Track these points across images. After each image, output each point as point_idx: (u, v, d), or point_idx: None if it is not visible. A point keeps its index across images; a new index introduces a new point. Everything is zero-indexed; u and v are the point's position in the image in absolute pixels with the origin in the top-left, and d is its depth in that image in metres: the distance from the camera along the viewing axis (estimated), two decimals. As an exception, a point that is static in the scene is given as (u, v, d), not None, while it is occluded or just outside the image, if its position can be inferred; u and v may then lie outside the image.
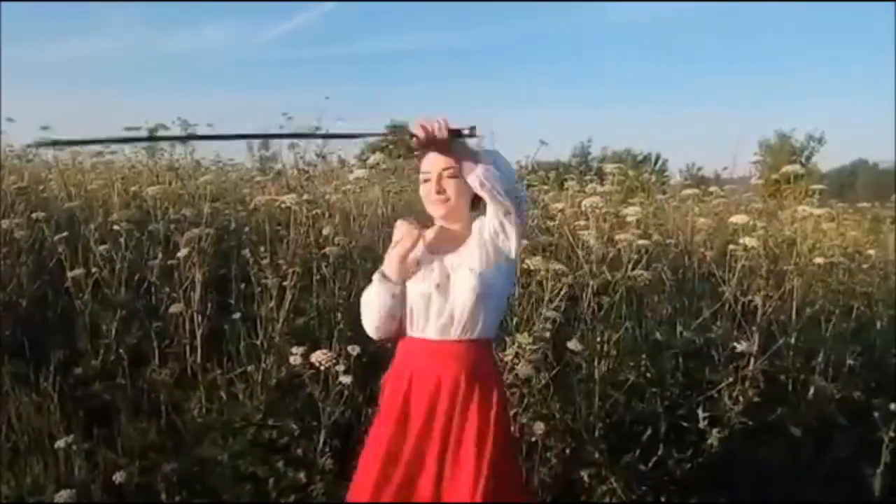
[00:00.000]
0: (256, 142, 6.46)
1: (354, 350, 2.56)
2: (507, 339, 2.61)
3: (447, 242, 1.80)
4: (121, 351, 2.86)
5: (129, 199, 3.72)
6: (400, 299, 1.76)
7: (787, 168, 3.74)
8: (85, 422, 2.65)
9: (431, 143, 1.60)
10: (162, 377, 2.79)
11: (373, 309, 1.77)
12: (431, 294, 1.72)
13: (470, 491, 1.66)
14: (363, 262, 3.23)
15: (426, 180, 1.77)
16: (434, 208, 1.78)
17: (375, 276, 1.78)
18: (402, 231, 1.77)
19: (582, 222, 3.19)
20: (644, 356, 3.02)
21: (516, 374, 2.60)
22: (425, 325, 1.74)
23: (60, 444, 2.40)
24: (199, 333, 2.84)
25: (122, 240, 2.91)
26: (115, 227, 2.94)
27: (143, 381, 2.83)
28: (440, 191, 1.74)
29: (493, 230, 1.69)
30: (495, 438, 1.72)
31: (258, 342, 2.77)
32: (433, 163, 1.76)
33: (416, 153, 1.91)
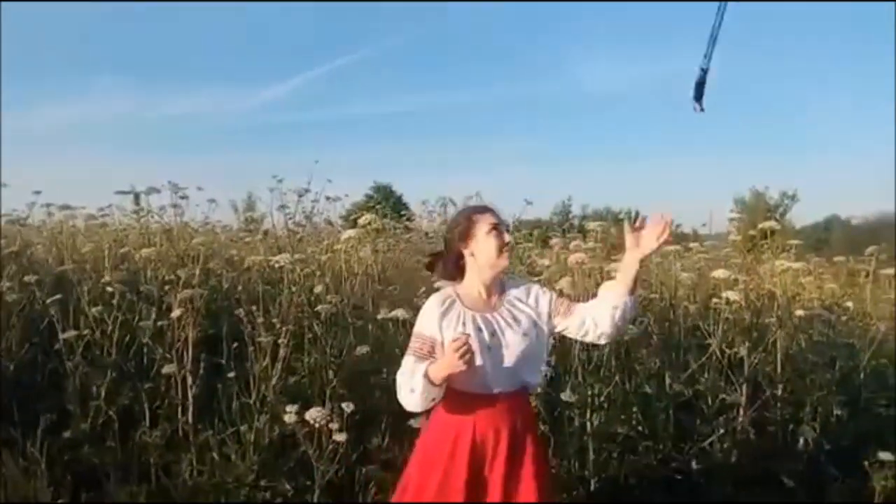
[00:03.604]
0: (242, 203, 6.53)
1: (349, 407, 2.56)
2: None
3: (484, 296, 1.97)
4: (111, 413, 2.83)
5: (119, 261, 3.73)
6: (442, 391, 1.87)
7: (764, 224, 3.88)
8: (73, 486, 2.59)
9: None
10: (153, 439, 2.75)
11: (416, 402, 1.85)
12: (484, 355, 1.85)
13: None
14: (355, 320, 3.26)
15: (499, 232, 1.95)
16: (504, 259, 1.95)
17: (419, 377, 1.82)
18: (460, 351, 1.74)
19: (567, 278, 3.26)
20: (635, 409, 3.04)
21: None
22: (476, 381, 1.87)
23: (47, 510, 2.35)
24: (190, 394, 2.82)
25: (114, 301, 2.92)
26: (108, 289, 2.95)
27: (134, 444, 2.79)
28: (511, 243, 1.97)
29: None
30: (546, 481, 1.95)
31: (251, 401, 2.76)
32: (500, 218, 2.00)
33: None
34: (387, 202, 5.95)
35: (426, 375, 1.80)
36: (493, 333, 1.89)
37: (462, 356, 1.72)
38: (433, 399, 1.85)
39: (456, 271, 2.01)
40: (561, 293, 2.31)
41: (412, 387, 1.83)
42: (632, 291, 1.89)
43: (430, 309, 1.94)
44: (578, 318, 1.95)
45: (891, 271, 4.03)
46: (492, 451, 1.87)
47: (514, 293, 1.98)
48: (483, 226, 1.95)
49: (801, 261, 3.89)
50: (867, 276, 4.12)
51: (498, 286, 1.99)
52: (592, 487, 2.79)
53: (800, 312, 3.36)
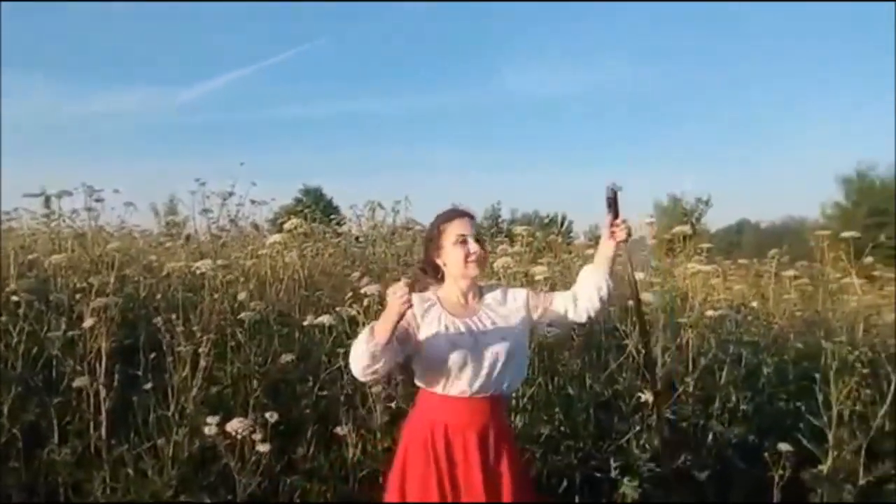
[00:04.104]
0: (163, 206, 6.28)
1: (272, 417, 2.52)
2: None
3: (462, 302, 1.99)
4: (15, 431, 2.66)
5: (27, 268, 3.53)
6: (386, 354, 1.81)
7: (677, 229, 4.10)
8: (-30, 511, 2.43)
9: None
10: (62, 457, 2.61)
11: (357, 361, 1.83)
12: (465, 358, 1.87)
13: None
14: (280, 328, 3.21)
15: (464, 241, 1.95)
16: (472, 269, 1.96)
17: (366, 329, 1.82)
18: (397, 293, 1.74)
19: (493, 281, 3.32)
20: (557, 410, 3.14)
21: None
22: (456, 384, 1.90)
23: (-58, 537, 2.20)
24: (104, 407, 2.70)
25: (20, 311, 2.76)
26: (14, 298, 2.79)
27: (40, 463, 2.64)
28: (480, 252, 1.96)
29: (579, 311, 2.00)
30: (524, 486, 1.96)
31: (169, 413, 2.67)
32: (467, 226, 1.99)
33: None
34: (317, 206, 5.86)
35: (371, 328, 1.80)
36: (473, 336, 1.91)
37: (400, 298, 1.71)
38: (372, 362, 1.79)
39: (437, 277, 2.04)
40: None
41: (355, 345, 1.83)
42: (610, 273, 2.00)
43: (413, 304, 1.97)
44: (558, 304, 2.02)
45: (791, 272, 4.34)
46: (462, 455, 1.89)
47: (491, 296, 2.02)
48: (450, 236, 1.98)
49: (712, 263, 4.13)
50: (770, 277, 4.41)
51: (476, 291, 2.02)
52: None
53: (710, 312, 3.56)
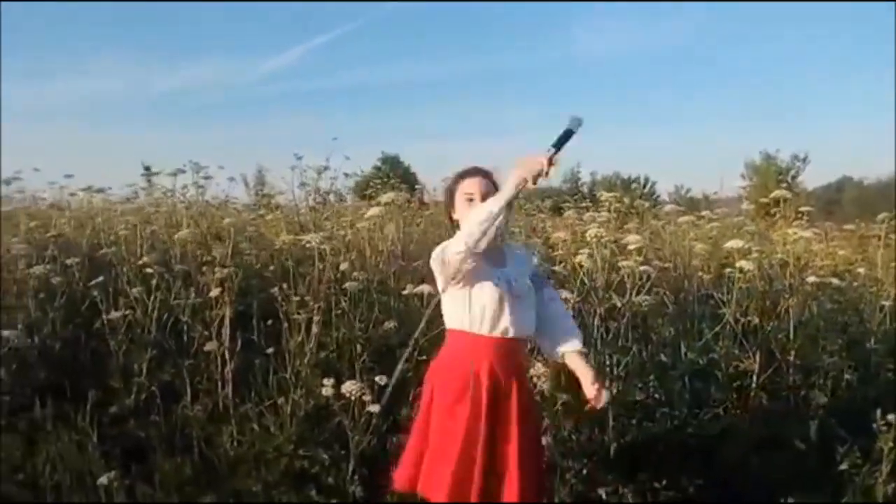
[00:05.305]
0: (252, 178, 6.56)
1: (382, 380, 2.70)
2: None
3: (493, 253, 2.01)
4: (154, 389, 2.98)
5: (150, 241, 3.86)
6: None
7: (776, 193, 3.96)
8: (122, 458, 2.75)
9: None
10: (195, 413, 2.91)
11: (481, 224, 1.83)
12: (503, 300, 1.96)
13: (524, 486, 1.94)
14: (380, 296, 3.39)
15: (470, 200, 2.03)
16: None
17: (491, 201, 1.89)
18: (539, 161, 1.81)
19: (585, 251, 3.33)
20: (652, 377, 3.17)
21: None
22: (499, 325, 1.97)
23: (103, 480, 2.50)
24: (229, 369, 2.97)
25: (153, 282, 3.05)
26: (147, 270, 3.08)
27: (176, 418, 2.95)
28: None
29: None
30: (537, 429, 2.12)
31: (287, 375, 2.90)
32: (476, 185, 2.04)
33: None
34: (393, 173, 5.98)
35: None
36: (506, 282, 1.98)
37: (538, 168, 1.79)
38: (492, 223, 1.81)
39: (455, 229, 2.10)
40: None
41: (475, 214, 1.87)
42: None
43: None
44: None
45: (902, 237, 4.10)
46: (506, 392, 1.97)
47: (509, 252, 2.09)
48: (461, 194, 2.05)
49: (812, 227, 3.96)
50: (879, 239, 4.18)
51: (497, 244, 1.98)
52: (612, 453, 2.92)
53: (811, 279, 3.44)
